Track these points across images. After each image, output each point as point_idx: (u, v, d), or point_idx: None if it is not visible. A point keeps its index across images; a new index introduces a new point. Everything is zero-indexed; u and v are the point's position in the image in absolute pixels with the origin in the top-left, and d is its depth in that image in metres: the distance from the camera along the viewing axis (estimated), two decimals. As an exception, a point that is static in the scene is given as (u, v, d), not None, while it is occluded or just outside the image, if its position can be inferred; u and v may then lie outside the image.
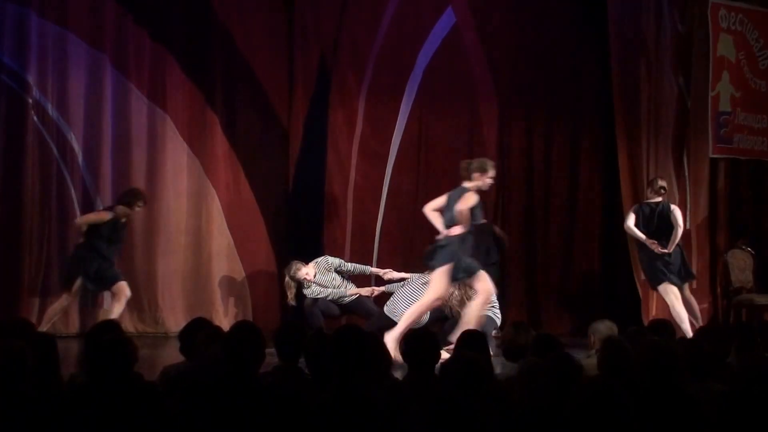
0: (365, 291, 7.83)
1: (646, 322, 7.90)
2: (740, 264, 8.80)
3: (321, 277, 7.76)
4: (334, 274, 7.81)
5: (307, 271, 7.69)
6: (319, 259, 7.86)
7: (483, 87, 9.19)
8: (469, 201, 6.76)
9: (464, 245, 6.80)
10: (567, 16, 9.33)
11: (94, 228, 7.68)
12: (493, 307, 7.47)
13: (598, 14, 9.02)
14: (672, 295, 7.79)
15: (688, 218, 8.75)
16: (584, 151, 9.41)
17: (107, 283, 7.72)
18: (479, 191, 6.87)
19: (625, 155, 8.84)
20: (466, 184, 6.86)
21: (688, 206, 8.79)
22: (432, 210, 7.05)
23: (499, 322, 7.51)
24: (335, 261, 7.87)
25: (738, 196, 9.16)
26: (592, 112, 9.40)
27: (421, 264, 7.48)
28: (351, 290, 7.77)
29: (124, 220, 7.81)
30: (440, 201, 7.02)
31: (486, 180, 6.90)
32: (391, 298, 7.50)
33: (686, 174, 8.84)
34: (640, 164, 8.78)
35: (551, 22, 9.29)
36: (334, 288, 7.75)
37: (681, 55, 8.80)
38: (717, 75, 8.88)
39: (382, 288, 7.88)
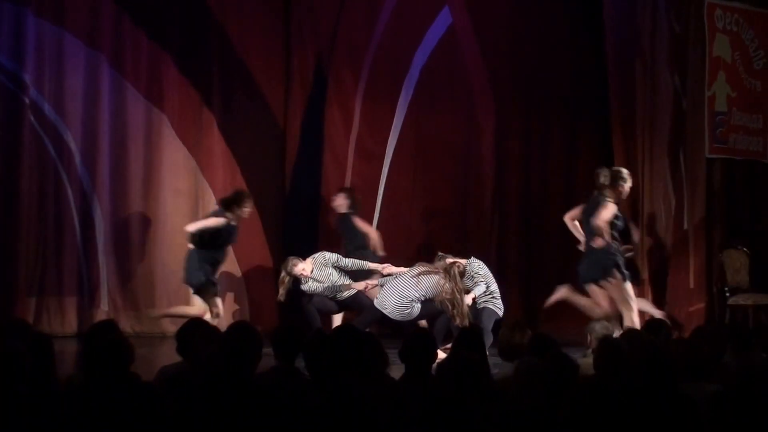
0: (359, 285, 7.81)
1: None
2: (736, 264, 8.81)
3: (318, 272, 7.75)
4: (332, 270, 7.80)
5: (304, 267, 7.67)
6: (316, 255, 7.86)
7: (479, 87, 9.20)
8: (609, 212, 7.21)
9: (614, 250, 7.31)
10: (563, 16, 9.34)
11: (209, 233, 7.58)
12: (494, 298, 7.50)
13: (594, 14, 9.03)
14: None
15: (685, 218, 8.77)
16: (581, 151, 9.43)
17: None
18: (618, 200, 7.35)
19: (622, 155, 8.85)
20: (607, 194, 7.30)
21: (685, 206, 8.80)
22: (571, 219, 7.64)
23: (501, 313, 7.55)
24: (332, 256, 7.87)
25: (733, 196, 9.17)
26: (589, 112, 9.41)
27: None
28: (346, 284, 7.78)
29: (234, 222, 7.74)
30: (578, 211, 7.57)
31: (626, 189, 7.43)
32: (381, 292, 7.48)
33: (683, 174, 8.85)
34: (635, 164, 8.79)
35: (547, 21, 9.30)
36: (331, 284, 7.75)
37: (677, 55, 8.81)
38: (713, 75, 8.89)
39: (376, 282, 7.87)
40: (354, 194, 8.48)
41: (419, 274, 7.32)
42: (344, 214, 8.40)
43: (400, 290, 7.30)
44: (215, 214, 7.74)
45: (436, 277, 7.25)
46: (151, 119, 8.52)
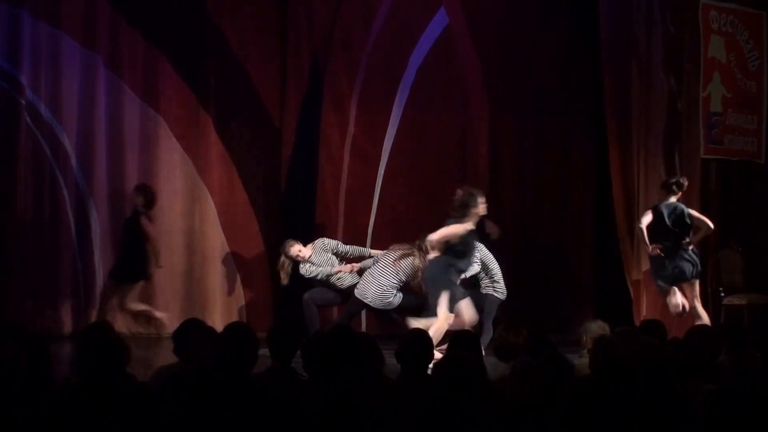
0: (346, 268, 7.85)
1: (636, 323, 7.92)
2: (731, 264, 8.84)
3: (317, 257, 7.83)
4: (331, 255, 7.87)
5: (300, 249, 7.73)
6: (316, 241, 7.95)
7: (475, 89, 9.21)
8: None
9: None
10: (558, 18, 9.36)
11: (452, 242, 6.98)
12: (495, 282, 7.53)
13: (589, 15, 9.05)
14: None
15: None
16: (575, 152, 9.45)
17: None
18: None
19: (617, 156, 8.87)
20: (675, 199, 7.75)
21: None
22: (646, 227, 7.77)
23: (503, 297, 7.65)
24: (332, 242, 7.95)
25: (728, 196, 9.19)
26: (584, 113, 9.43)
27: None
28: (335, 268, 7.80)
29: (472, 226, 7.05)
30: (650, 217, 7.77)
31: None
32: (361, 281, 7.53)
33: (678, 174, 8.87)
34: (631, 165, 8.81)
35: (543, 23, 9.32)
36: (329, 266, 7.80)
37: (672, 56, 8.83)
38: (708, 76, 8.92)
39: (359, 264, 7.87)
40: (148, 192, 8.08)
41: (396, 260, 7.36)
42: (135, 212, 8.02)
43: (379, 278, 7.35)
44: (457, 220, 7.04)
45: (411, 258, 7.32)
46: (148, 120, 8.51)
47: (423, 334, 4.28)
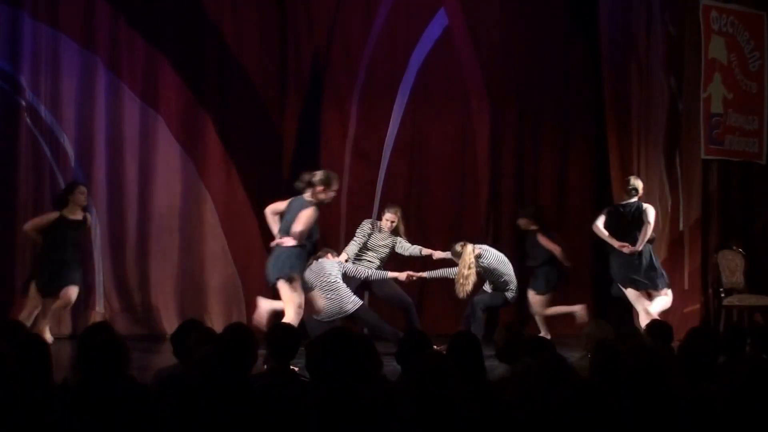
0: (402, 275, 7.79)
1: (637, 323, 7.91)
2: (731, 265, 8.83)
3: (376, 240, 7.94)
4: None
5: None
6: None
7: (475, 88, 9.21)
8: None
9: None
10: (558, 18, 9.36)
11: None
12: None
13: (589, 16, 9.05)
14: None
15: (680, 219, 8.78)
16: (575, 152, 9.44)
17: None
18: None
19: (616, 156, 8.87)
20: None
21: (681, 207, 8.82)
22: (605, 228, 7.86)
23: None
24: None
25: (729, 197, 9.19)
26: (583, 113, 9.43)
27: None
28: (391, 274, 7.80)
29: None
30: (605, 219, 7.88)
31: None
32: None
33: (678, 175, 8.87)
34: (630, 165, 8.81)
35: (542, 24, 9.32)
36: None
37: (672, 56, 8.84)
38: (708, 77, 8.92)
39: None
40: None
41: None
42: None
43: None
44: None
45: None
46: (147, 120, 8.51)
47: (423, 336, 4.27)
